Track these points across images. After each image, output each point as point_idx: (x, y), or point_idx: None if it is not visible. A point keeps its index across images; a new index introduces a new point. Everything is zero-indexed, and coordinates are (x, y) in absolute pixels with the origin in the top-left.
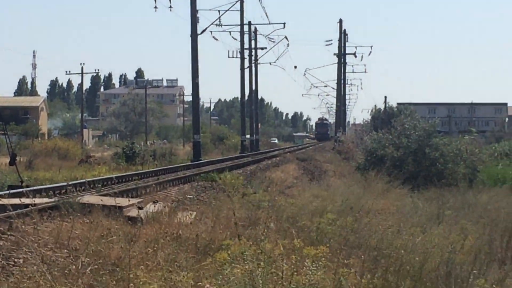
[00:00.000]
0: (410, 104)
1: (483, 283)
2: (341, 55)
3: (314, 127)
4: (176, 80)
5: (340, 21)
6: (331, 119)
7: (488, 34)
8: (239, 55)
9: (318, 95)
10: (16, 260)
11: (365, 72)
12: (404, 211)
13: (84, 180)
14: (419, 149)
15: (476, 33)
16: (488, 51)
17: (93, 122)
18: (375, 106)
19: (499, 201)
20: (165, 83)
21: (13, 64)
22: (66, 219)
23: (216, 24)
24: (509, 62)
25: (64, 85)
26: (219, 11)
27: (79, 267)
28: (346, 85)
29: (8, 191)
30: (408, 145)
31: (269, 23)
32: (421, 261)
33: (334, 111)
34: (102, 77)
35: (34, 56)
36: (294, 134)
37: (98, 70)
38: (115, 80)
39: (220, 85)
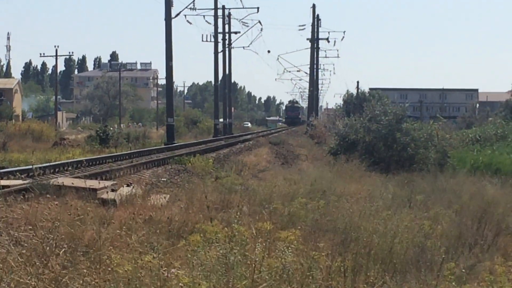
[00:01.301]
0: (382, 89)
1: (452, 266)
2: (314, 40)
3: (284, 110)
4: (150, 63)
5: (313, 6)
6: (304, 104)
7: (460, 21)
8: (213, 39)
9: (291, 79)
10: None
11: (337, 57)
12: (376, 195)
13: (55, 163)
14: (389, 133)
15: (448, 19)
16: (459, 38)
17: (67, 105)
18: (348, 91)
19: (469, 187)
20: (139, 66)
21: None
22: (40, 201)
23: (190, 8)
24: (480, 49)
25: (39, 67)
26: None
27: (53, 248)
28: (319, 70)
29: None
30: (378, 130)
31: (243, 8)
32: (391, 244)
33: (307, 95)
34: (76, 60)
35: (8, 38)
36: (267, 118)
37: (72, 52)
38: (89, 63)
39: (193, 68)
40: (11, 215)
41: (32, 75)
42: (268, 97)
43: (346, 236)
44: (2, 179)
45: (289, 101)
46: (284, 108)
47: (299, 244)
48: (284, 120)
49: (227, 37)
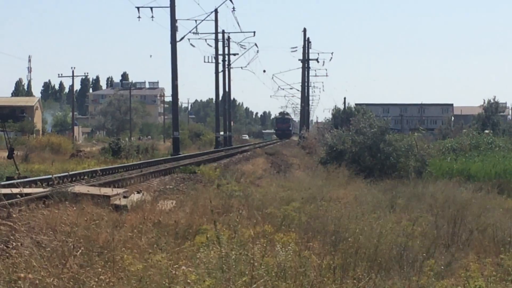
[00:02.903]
0: (366, 104)
1: (432, 263)
2: (305, 61)
3: (274, 122)
4: (158, 82)
5: (304, 30)
6: (296, 118)
7: (436, 41)
8: (214, 60)
9: (285, 96)
10: (13, 243)
11: (326, 76)
12: (361, 200)
13: (72, 172)
14: (374, 144)
15: (425, 41)
16: (436, 57)
17: (82, 120)
18: (335, 106)
19: (445, 191)
20: (147, 85)
21: (11, 67)
22: (59, 207)
23: (193, 33)
24: (455, 67)
25: (57, 86)
26: (196, 20)
27: (71, 250)
28: (310, 87)
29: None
30: (364, 141)
31: (241, 32)
32: (376, 244)
33: (299, 110)
34: (91, 80)
35: (29, 60)
36: (263, 131)
37: (87, 73)
38: (103, 82)
39: (197, 87)
40: (33, 220)
41: (51, 93)
42: (264, 112)
43: (335, 237)
44: (24, 187)
45: (280, 113)
46: (274, 120)
47: (294, 245)
48: (274, 132)
49: (226, 58)
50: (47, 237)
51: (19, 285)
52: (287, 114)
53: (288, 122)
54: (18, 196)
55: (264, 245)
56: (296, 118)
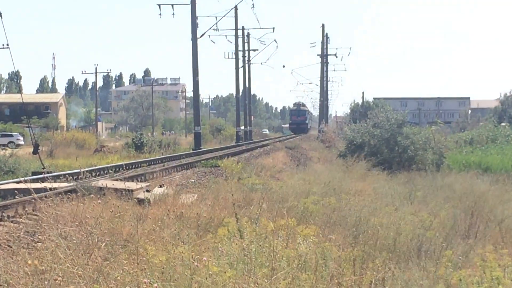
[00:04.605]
0: (384, 98)
1: (450, 254)
2: (324, 56)
3: (288, 114)
4: (179, 78)
5: (323, 26)
6: (315, 112)
7: (453, 37)
8: (234, 56)
9: (304, 91)
10: (39, 236)
11: (345, 70)
12: (380, 192)
13: (97, 167)
14: (391, 137)
15: (442, 36)
16: (453, 51)
17: (106, 116)
18: (354, 100)
19: (463, 184)
20: (169, 81)
21: (36, 65)
22: (84, 200)
23: (214, 29)
24: (472, 61)
25: (80, 83)
26: (216, 17)
27: (96, 242)
28: (328, 82)
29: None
30: (381, 134)
31: (260, 28)
32: (395, 236)
33: (318, 105)
34: (113, 76)
35: (53, 58)
36: (283, 125)
37: (110, 70)
38: (125, 79)
39: (217, 82)
40: (60, 213)
41: (75, 90)
42: (284, 107)
43: (355, 229)
44: (49, 182)
45: (294, 104)
46: (289, 112)
47: (315, 237)
48: (288, 126)
49: (246, 54)
50: (73, 229)
51: (45, 276)
52: (303, 105)
53: (304, 114)
54: (46, 189)
55: (285, 237)
56: (315, 112)
